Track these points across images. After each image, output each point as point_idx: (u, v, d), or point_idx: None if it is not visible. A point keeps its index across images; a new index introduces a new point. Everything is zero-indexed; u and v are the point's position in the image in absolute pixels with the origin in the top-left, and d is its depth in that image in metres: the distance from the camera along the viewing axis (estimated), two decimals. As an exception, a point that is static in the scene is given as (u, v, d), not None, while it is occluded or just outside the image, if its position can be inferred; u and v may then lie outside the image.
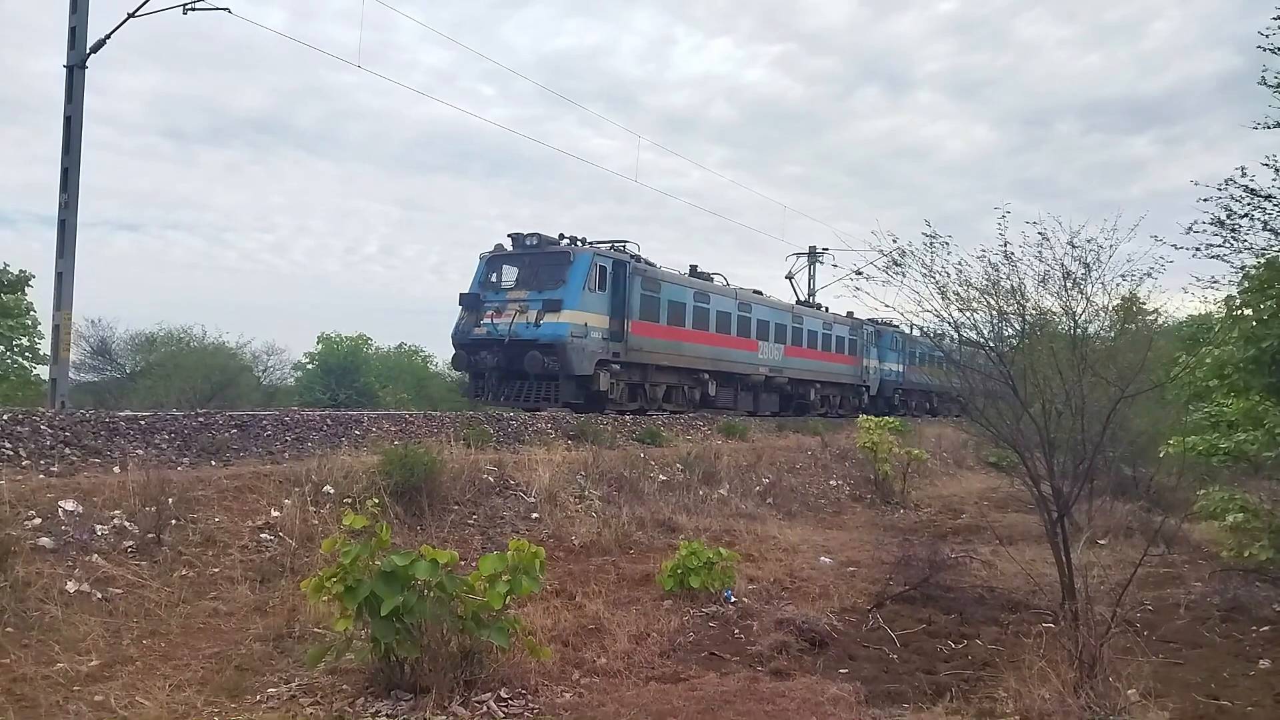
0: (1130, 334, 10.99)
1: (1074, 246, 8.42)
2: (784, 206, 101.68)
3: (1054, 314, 9.17)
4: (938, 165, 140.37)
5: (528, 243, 19.36)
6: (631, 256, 20.55)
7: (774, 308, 26.92)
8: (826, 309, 32.07)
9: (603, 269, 19.16)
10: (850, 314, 32.23)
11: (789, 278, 34.42)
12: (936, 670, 6.58)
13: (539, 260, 19.07)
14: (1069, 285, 8.63)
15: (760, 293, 26.84)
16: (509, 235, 19.74)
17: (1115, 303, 9.90)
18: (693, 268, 23.83)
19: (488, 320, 18.68)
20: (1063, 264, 8.50)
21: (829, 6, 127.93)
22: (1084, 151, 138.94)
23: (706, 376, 22.82)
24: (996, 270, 8.68)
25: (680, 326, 21.64)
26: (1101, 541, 11.55)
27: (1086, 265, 8.47)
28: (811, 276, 40.23)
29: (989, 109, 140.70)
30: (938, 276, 8.79)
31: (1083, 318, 9.01)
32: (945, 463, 24.01)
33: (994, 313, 8.95)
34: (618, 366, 19.24)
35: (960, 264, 8.83)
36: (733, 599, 8.24)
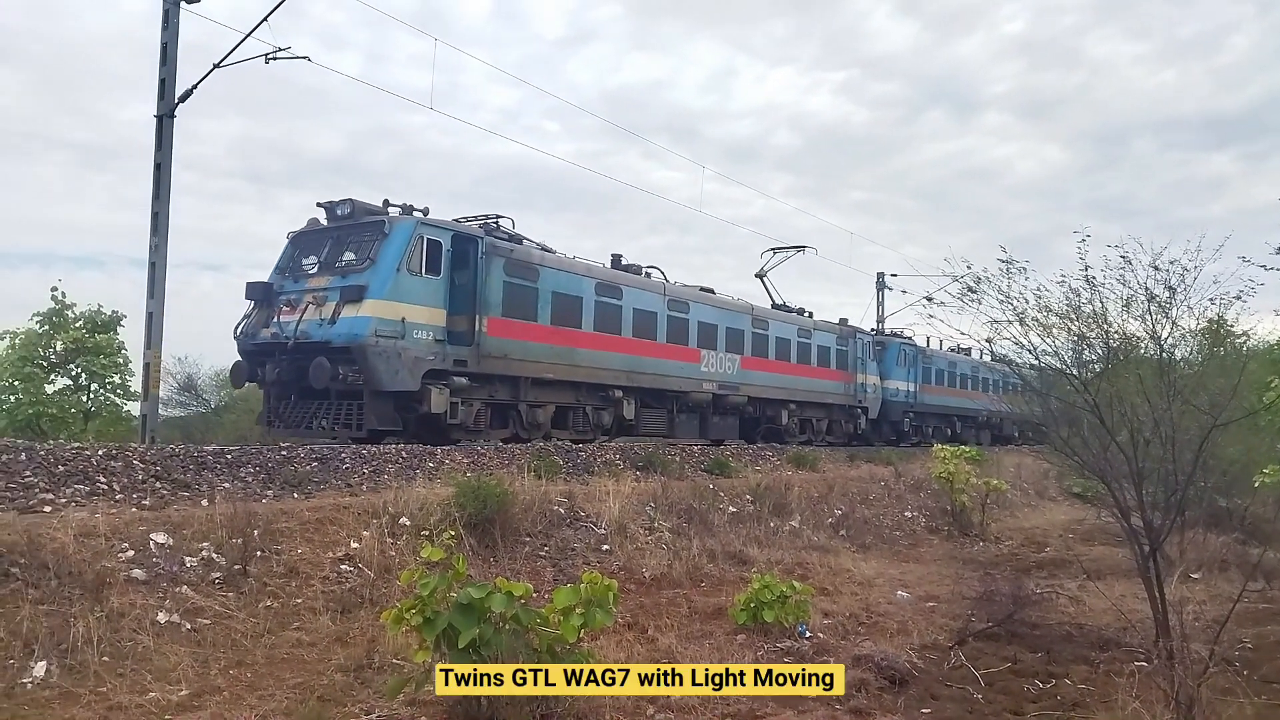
0: (1219, 358, 10.58)
1: (1157, 269, 8.17)
2: (850, 233, 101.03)
3: (1139, 338, 8.88)
4: (1007, 187, 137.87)
5: (339, 212, 14.68)
6: (495, 231, 15.84)
7: (723, 308, 21.56)
8: (811, 315, 26.29)
9: (434, 245, 14.17)
10: (844, 321, 27.67)
11: (760, 276, 26.80)
12: (1024, 710, 6.35)
13: (346, 235, 14.32)
14: (1153, 309, 8.36)
15: (712, 291, 21.90)
16: (319, 204, 15.05)
17: (1202, 325, 9.57)
18: (615, 258, 19.28)
19: (281, 319, 14.06)
20: (1146, 287, 8.25)
21: (892, 31, 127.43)
22: (1161, 169, 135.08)
23: (620, 394, 17.75)
24: (1078, 295, 8.46)
25: (573, 327, 16.68)
26: (1195, 576, 11.06)
27: (1171, 288, 8.20)
28: (880, 304, 39.78)
29: (1060, 128, 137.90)
30: (1015, 302, 8.60)
31: (1168, 342, 8.71)
32: (1026, 493, 23.29)
33: (1076, 338, 8.71)
34: (465, 380, 14.43)
35: (1039, 289, 8.63)
36: (807, 634, 8.10)
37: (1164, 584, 7.66)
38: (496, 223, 16.15)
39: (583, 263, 17.50)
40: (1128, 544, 8.21)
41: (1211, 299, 8.38)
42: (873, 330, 30.16)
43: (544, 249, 16.87)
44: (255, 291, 14.59)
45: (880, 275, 39.50)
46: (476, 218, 16.05)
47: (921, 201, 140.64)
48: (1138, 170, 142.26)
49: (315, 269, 14.18)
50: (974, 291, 8.87)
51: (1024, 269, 8.65)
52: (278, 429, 14.50)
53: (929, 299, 9.59)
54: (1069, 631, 8.58)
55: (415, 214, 14.56)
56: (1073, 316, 8.65)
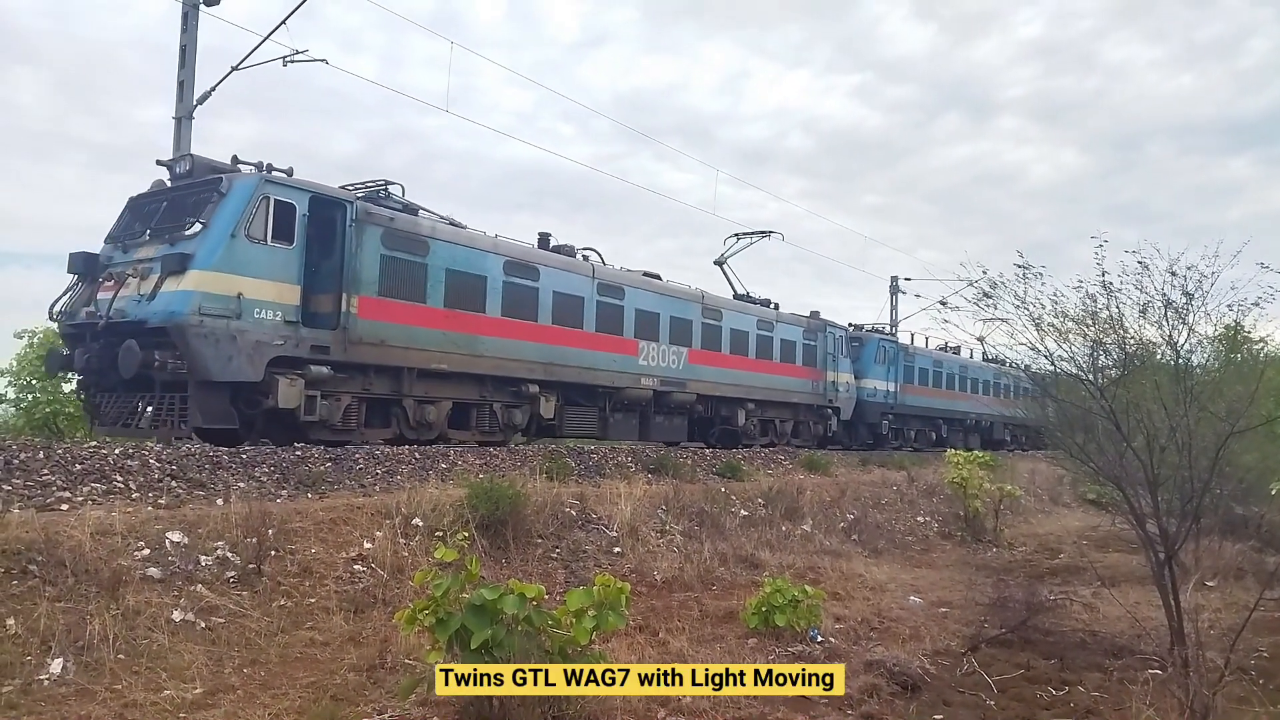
0: (1237, 364, 10.51)
1: (1174, 274, 8.13)
2: (864, 237, 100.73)
3: (1155, 344, 8.83)
4: (1022, 191, 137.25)
5: (178, 170, 12.65)
6: (380, 199, 13.79)
7: (667, 294, 19.22)
8: (776, 307, 23.76)
9: (284, 208, 11.93)
10: (815, 314, 25.26)
11: (719, 263, 24.39)
12: (1037, 717, 6.33)
13: (181, 197, 12.17)
14: (1170, 315, 8.31)
15: (657, 277, 19.61)
16: (159, 162, 13.06)
17: (1219, 332, 9.50)
18: (543, 236, 17.16)
19: (100, 295, 11.95)
20: (1163, 292, 8.20)
21: (907, 35, 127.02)
22: (1178, 174, 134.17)
23: (536, 389, 15.58)
24: (1094, 301, 8.42)
25: (475, 311, 14.49)
26: (1210, 583, 10.98)
27: (1188, 294, 8.15)
28: (894, 308, 39.64)
29: (1076, 133, 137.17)
30: (1031, 308, 8.57)
31: (1185, 348, 8.65)
32: (1040, 499, 23.17)
33: (1092, 343, 8.67)
34: (327, 370, 12.28)
35: (1056, 295, 8.60)
36: (819, 638, 8.08)
37: (1179, 591, 7.61)
38: (385, 190, 14.11)
39: (488, 238, 15.24)
40: (1143, 551, 8.17)
41: (1229, 305, 8.34)
42: (850, 325, 27.82)
43: (453, 224, 14.83)
44: (77, 264, 12.30)
45: (894, 279, 39.38)
46: (363, 184, 14.12)
47: (936, 205, 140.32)
48: (1155, 175, 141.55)
49: (147, 237, 11.97)
50: (989, 296, 8.84)
51: (1040, 274, 8.63)
52: (96, 427, 12.43)
53: (944, 303, 9.56)
54: (1083, 638, 8.53)
55: (265, 173, 12.19)
56: (1089, 322, 8.61)
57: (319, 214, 12.41)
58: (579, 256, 17.32)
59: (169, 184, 12.73)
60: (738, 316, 21.50)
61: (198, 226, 11.34)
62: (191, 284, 10.96)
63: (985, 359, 35.07)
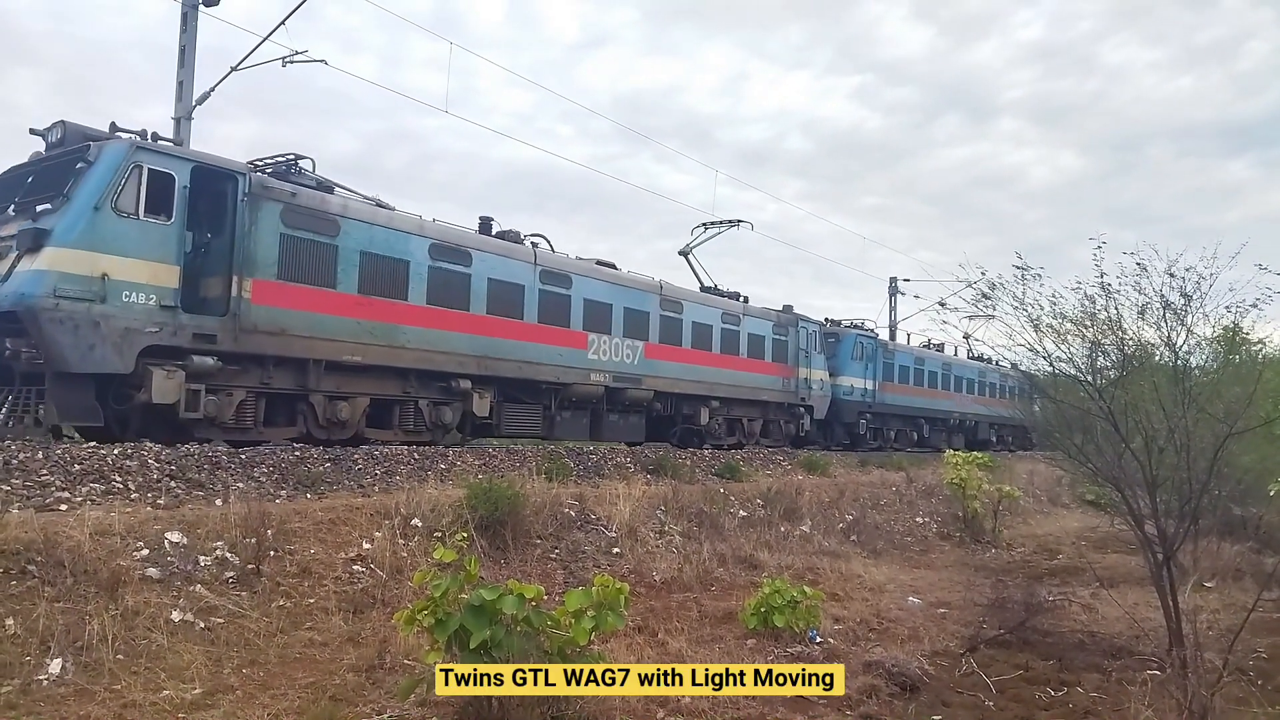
0: (1235, 366, 10.52)
1: (1173, 276, 8.14)
2: (863, 238, 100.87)
3: (1154, 345, 8.84)
4: (1021, 193, 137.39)
5: (50, 140, 11.41)
6: (287, 174, 12.66)
7: (620, 284, 17.81)
8: (746, 300, 22.50)
9: (160, 179, 10.73)
10: (788, 308, 24.03)
11: (684, 254, 23.07)
12: (1035, 718, 6.33)
13: (48, 168, 11.03)
14: (1169, 316, 8.32)
15: (613, 266, 18.22)
16: (32, 131, 11.68)
17: (1218, 333, 9.51)
18: (483, 221, 15.78)
19: None
20: (1162, 294, 8.21)
21: (907, 37, 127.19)
22: (1177, 176, 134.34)
23: (468, 384, 14.39)
24: (1093, 302, 8.42)
25: (395, 299, 13.28)
26: (1209, 584, 10.99)
27: (1187, 295, 8.16)
28: (893, 309, 39.65)
29: (1075, 135, 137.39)
30: (1030, 309, 8.58)
31: (1183, 349, 8.66)
32: (1038, 500, 23.19)
33: (1090, 345, 8.68)
34: (214, 361, 10.99)
35: (1054, 296, 8.60)
36: (818, 639, 8.09)
37: (1177, 592, 7.62)
38: (295, 164, 12.92)
39: (411, 218, 13.93)
40: (1141, 552, 8.18)
41: (1227, 306, 8.34)
42: (827, 320, 26.67)
43: (379, 204, 13.68)
44: None
45: (893, 280, 39.35)
46: (270, 159, 12.87)
47: (935, 207, 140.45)
48: (1154, 177, 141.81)
49: (11, 212, 10.83)
50: (988, 298, 8.85)
51: (1039, 275, 8.63)
52: None
53: (942, 304, 9.57)
54: (1081, 639, 8.54)
55: (143, 140, 10.97)
56: (1087, 323, 8.62)
57: (205, 187, 11.22)
58: (527, 244, 16.07)
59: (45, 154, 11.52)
60: (701, 309, 20.18)
61: (61, 199, 10.19)
62: (46, 263, 9.79)
63: (971, 356, 34.75)
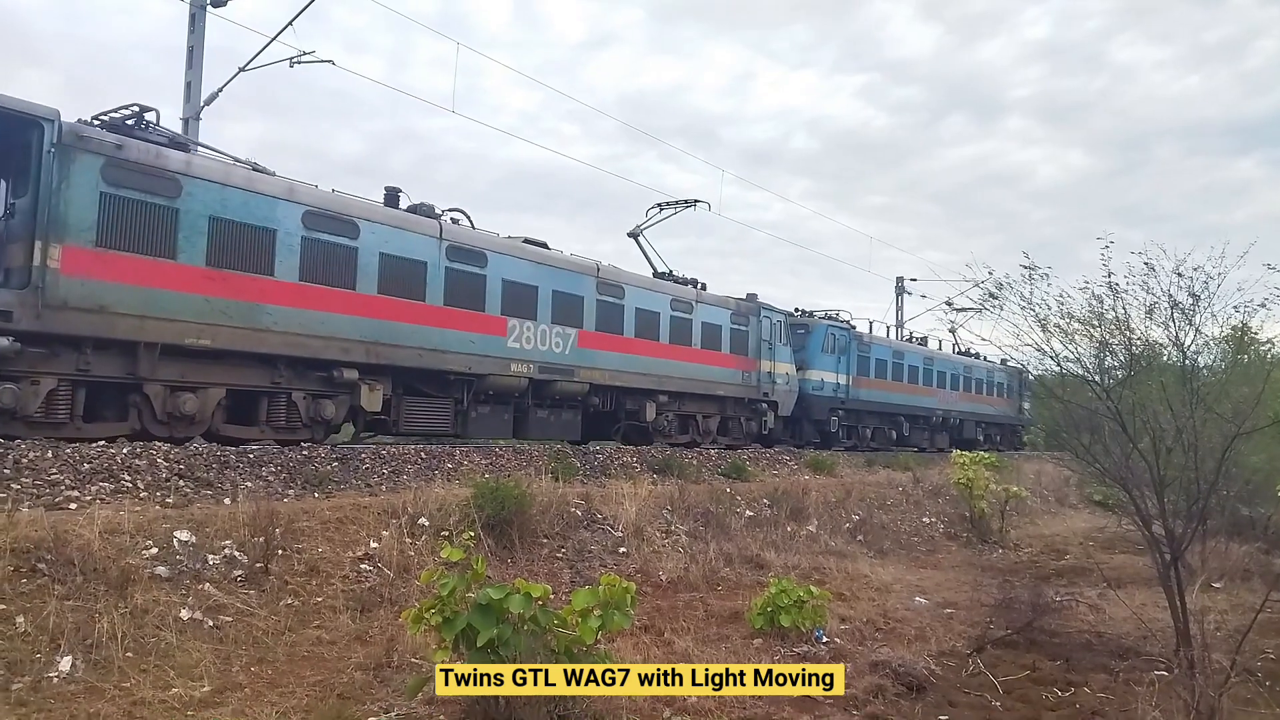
0: (1243, 366, 10.49)
1: (1181, 275, 8.12)
2: (869, 237, 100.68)
3: (1162, 345, 8.82)
4: (1029, 191, 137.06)
5: None
6: (122, 126, 10.86)
7: (548, 264, 15.96)
8: (704, 287, 20.81)
9: None
10: (752, 296, 22.24)
11: (634, 235, 21.18)
12: (1042, 719, 6.32)
13: None
14: (1176, 316, 8.30)
15: (544, 245, 16.36)
16: None
17: (1226, 333, 9.49)
18: (390, 192, 14.05)
19: None
20: (1170, 294, 8.19)
21: (913, 35, 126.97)
22: (1185, 175, 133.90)
23: (354, 375, 12.50)
24: (1101, 302, 8.41)
25: (256, 273, 11.43)
26: (1217, 585, 10.95)
27: (1195, 295, 8.14)
28: (899, 308, 39.60)
29: (1083, 133, 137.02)
30: (1037, 309, 8.56)
31: (1191, 349, 8.64)
32: (1046, 500, 23.14)
33: (1098, 345, 8.66)
34: (9, 342, 9.34)
35: (1062, 296, 8.59)
36: (824, 639, 8.09)
37: (1185, 593, 7.60)
38: (140, 118, 11.09)
39: (279, 181, 12.02)
40: (1149, 552, 8.16)
41: (1235, 306, 8.32)
42: (797, 310, 25.16)
43: (258, 169, 11.97)
44: None
45: (899, 280, 39.34)
46: (110, 112, 11.04)
47: (942, 206, 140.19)
48: (1161, 176, 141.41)
49: None
50: (995, 297, 8.84)
51: (1046, 275, 8.62)
52: None
53: (949, 304, 9.55)
54: (1089, 640, 8.52)
55: None
56: (1095, 323, 8.60)
57: (3, 135, 9.78)
58: (446, 219, 14.48)
59: None
60: (646, 294, 18.30)
61: None
62: None
63: (959, 351, 33.63)
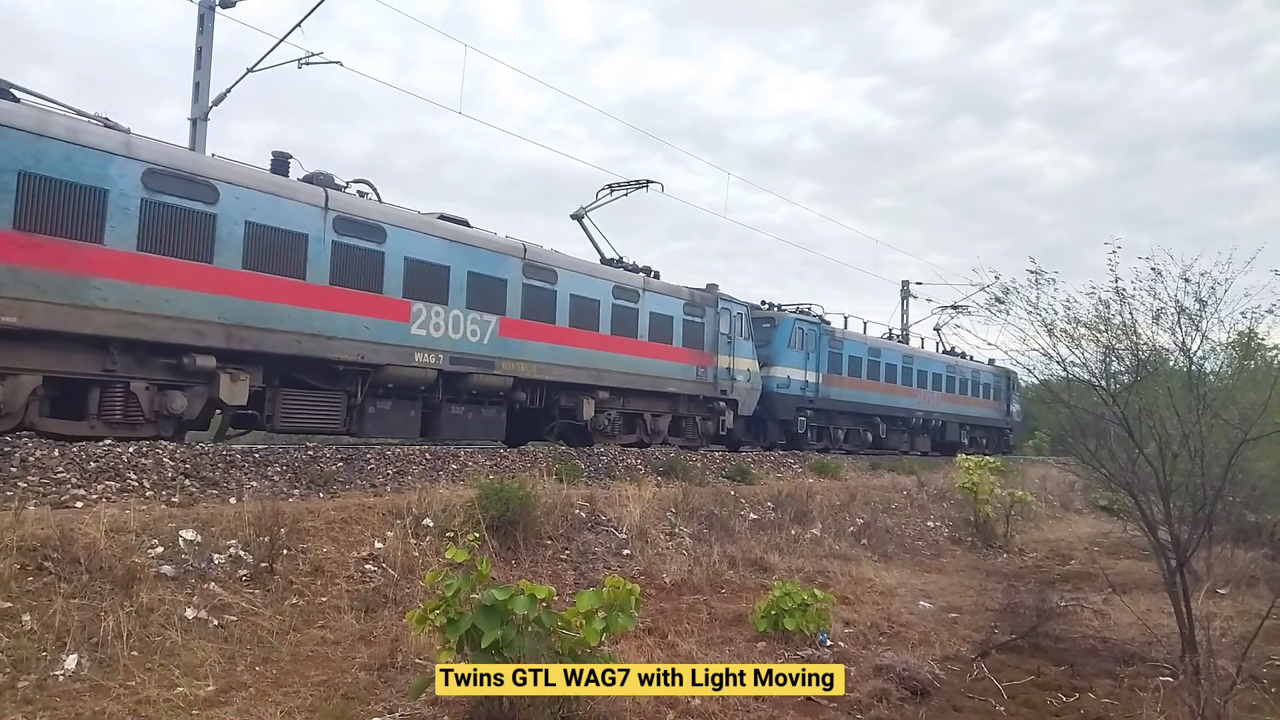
0: (1250, 372, 10.46)
1: (1187, 281, 8.10)
2: (875, 240, 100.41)
3: (1168, 350, 8.80)
4: (1036, 195, 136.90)
5: None
6: None
7: (462, 242, 14.25)
8: (656, 275, 19.14)
9: None
10: (712, 286, 20.74)
11: (578, 217, 19.59)
12: (1047, 724, 6.31)
13: None
14: (1183, 321, 8.28)
15: (465, 223, 14.74)
16: None
17: (1232, 339, 9.47)
18: (278, 157, 12.55)
19: None
20: (1176, 299, 8.17)
21: (920, 39, 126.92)
22: (1193, 179, 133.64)
23: (212, 362, 10.89)
24: (1107, 307, 8.40)
25: (81, 239, 9.74)
26: (1222, 591, 10.92)
27: (1201, 300, 8.12)
28: (905, 311, 39.52)
29: (1090, 137, 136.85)
30: (1044, 313, 8.55)
31: (1198, 355, 8.62)
32: (1051, 505, 23.09)
33: (1104, 349, 8.65)
34: None
35: (1069, 300, 8.58)
36: (828, 642, 8.08)
37: (1191, 599, 7.57)
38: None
39: (114, 135, 10.28)
40: (1154, 558, 8.15)
41: (1242, 312, 8.29)
42: (768, 304, 23.85)
43: (110, 125, 10.40)
44: None
45: (905, 283, 39.19)
46: None
47: (948, 209, 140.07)
48: (1169, 180, 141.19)
49: None
50: (1001, 302, 8.83)
51: (1053, 279, 8.61)
52: None
53: (955, 307, 9.53)
54: (1093, 645, 8.51)
55: None
56: (1101, 328, 8.59)
57: None
58: (353, 192, 13.06)
59: None
60: (583, 279, 16.56)
61: None
62: None
63: (945, 351, 32.59)
